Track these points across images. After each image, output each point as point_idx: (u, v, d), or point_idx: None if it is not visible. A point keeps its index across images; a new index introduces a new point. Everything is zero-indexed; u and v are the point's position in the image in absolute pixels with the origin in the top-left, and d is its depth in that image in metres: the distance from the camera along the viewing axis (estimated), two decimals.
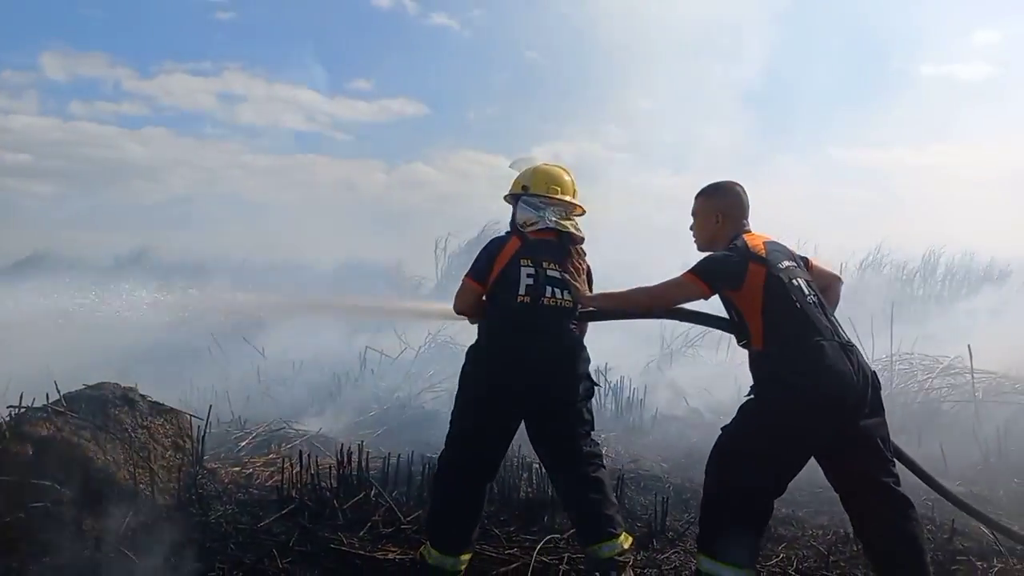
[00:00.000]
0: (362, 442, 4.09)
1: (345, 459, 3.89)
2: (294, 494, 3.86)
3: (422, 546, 3.11)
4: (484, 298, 3.11)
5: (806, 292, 2.76)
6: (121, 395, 3.94)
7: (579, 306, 3.12)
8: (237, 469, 4.35)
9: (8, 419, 3.60)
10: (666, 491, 4.28)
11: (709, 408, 7.10)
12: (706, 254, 2.94)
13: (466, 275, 3.15)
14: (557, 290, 3.06)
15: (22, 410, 3.68)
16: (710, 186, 3.06)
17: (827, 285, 3.03)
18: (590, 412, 3.17)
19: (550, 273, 3.07)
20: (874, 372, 2.75)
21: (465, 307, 3.18)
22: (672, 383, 7.85)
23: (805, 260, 3.00)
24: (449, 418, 3.14)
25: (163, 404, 4.13)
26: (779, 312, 2.71)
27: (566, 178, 3.24)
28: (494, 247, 3.12)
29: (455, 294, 3.20)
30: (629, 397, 6.86)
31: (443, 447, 3.12)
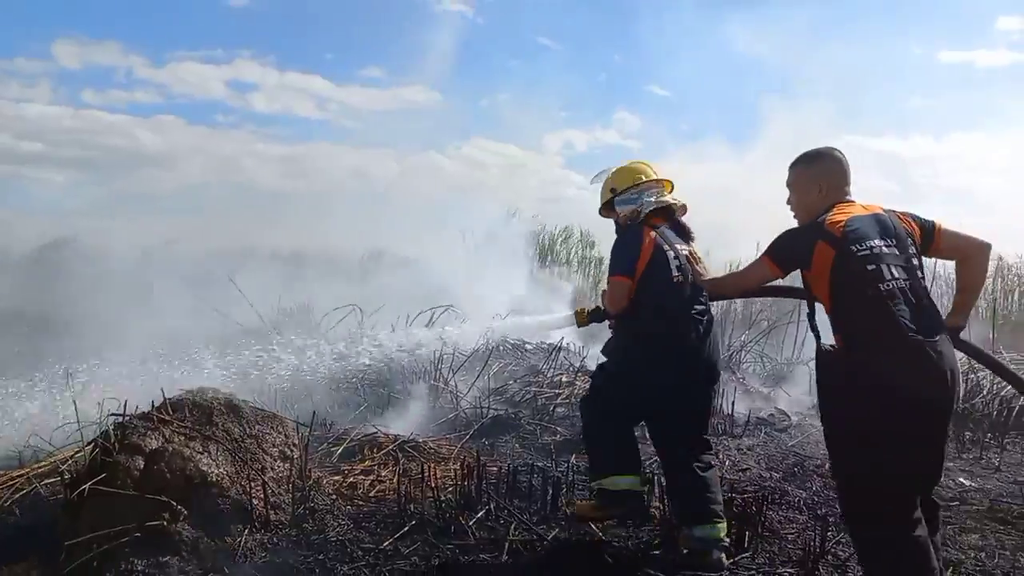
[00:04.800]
0: (477, 451, 3.82)
1: (467, 471, 3.61)
2: (412, 508, 3.59)
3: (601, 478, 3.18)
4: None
5: (889, 277, 2.48)
6: (225, 401, 3.68)
7: None
8: (338, 478, 4.08)
9: (114, 429, 3.34)
10: (797, 505, 4.01)
11: (791, 409, 6.82)
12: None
13: (616, 274, 3.22)
14: (690, 268, 3.25)
15: (126, 419, 3.42)
16: (807, 154, 2.83)
17: (965, 256, 2.76)
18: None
19: (682, 252, 3.25)
20: (956, 371, 2.51)
21: (620, 303, 3.21)
22: (745, 384, 7.57)
23: (930, 228, 2.70)
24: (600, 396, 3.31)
25: (265, 410, 3.87)
26: (848, 300, 2.52)
27: (643, 165, 3.41)
28: (635, 241, 3.21)
29: (607, 294, 3.28)
30: None
31: (590, 399, 3.36)
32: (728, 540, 3.15)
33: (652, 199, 3.27)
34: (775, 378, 8.06)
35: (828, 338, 2.64)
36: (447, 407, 5.97)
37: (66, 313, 7.79)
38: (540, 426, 5.51)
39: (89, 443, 3.38)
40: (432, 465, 3.96)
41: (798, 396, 7.38)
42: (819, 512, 3.95)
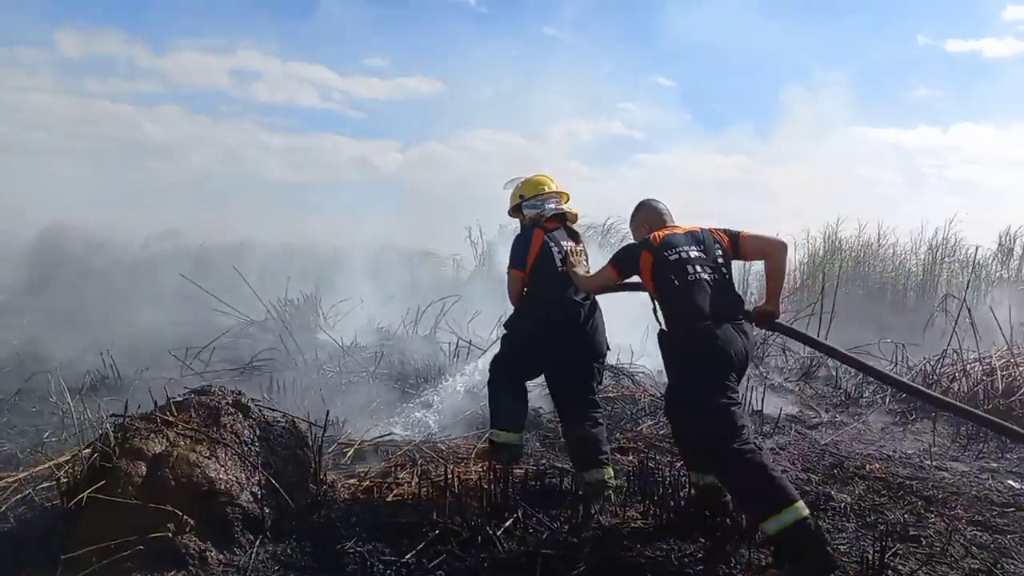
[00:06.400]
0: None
1: (493, 476, 3.36)
2: (434, 516, 3.34)
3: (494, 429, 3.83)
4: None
5: (692, 272, 3.18)
6: (233, 401, 3.43)
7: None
8: (353, 482, 3.83)
9: (113, 430, 3.09)
10: (843, 511, 3.75)
11: (819, 404, 6.56)
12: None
13: (511, 268, 3.89)
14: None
15: (127, 419, 3.17)
16: (636, 208, 3.67)
17: (766, 254, 3.37)
18: (602, 371, 3.98)
19: (566, 248, 3.86)
20: (747, 347, 3.17)
21: (516, 291, 3.91)
22: (769, 379, 7.30)
23: (735, 236, 3.36)
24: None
25: (275, 409, 3.62)
26: (664, 292, 3.23)
27: (546, 178, 4.07)
28: (525, 240, 3.87)
29: (507, 289, 3.92)
30: None
31: (497, 362, 3.98)
32: (616, 481, 3.78)
33: (552, 206, 3.96)
34: (799, 372, 7.81)
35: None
36: (463, 404, 5.73)
37: (67, 306, 7.54)
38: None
39: (87, 446, 3.14)
40: (454, 468, 3.71)
41: (823, 390, 7.14)
42: (868, 519, 3.70)
